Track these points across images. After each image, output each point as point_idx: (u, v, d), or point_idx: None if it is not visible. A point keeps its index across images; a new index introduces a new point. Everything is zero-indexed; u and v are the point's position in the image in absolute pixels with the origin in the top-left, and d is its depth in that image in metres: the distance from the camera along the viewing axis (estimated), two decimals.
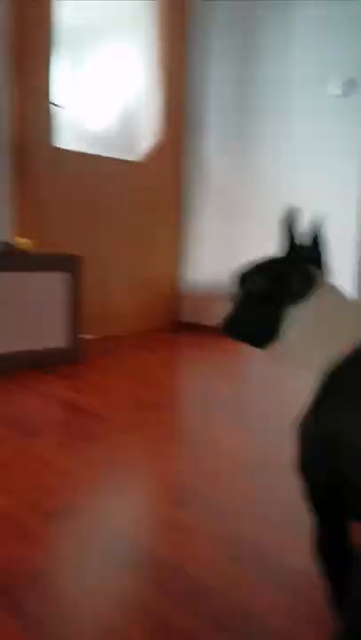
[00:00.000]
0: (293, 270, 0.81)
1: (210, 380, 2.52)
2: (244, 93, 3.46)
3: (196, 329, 3.69)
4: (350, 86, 2.90)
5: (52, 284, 2.64)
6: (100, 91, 3.65)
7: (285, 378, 2.56)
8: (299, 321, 0.80)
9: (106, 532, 1.18)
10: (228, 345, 3.24)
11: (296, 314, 0.80)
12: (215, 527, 1.21)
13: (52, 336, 2.68)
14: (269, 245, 3.32)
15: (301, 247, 0.84)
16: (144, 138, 3.67)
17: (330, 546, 0.75)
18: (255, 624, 0.91)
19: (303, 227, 2.91)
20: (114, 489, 1.39)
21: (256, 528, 1.21)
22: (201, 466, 1.54)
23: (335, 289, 0.83)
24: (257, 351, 0.93)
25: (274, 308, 0.82)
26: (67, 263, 2.69)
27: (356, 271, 2.98)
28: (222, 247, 3.62)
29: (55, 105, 3.13)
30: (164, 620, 0.91)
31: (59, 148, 3.22)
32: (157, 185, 3.74)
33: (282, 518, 1.26)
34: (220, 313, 0.91)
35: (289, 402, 2.16)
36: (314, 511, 0.76)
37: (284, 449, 1.67)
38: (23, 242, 2.67)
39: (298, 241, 0.83)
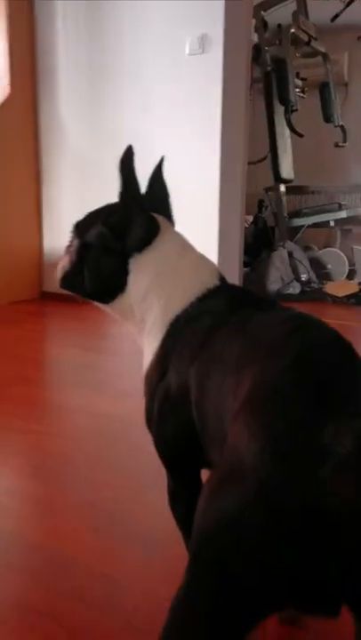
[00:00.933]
0: (135, 217, 0.76)
1: (73, 349, 2.46)
2: (98, 50, 3.33)
3: (62, 298, 3.57)
4: (204, 42, 2.91)
5: None
6: None
7: None
8: (143, 270, 0.75)
9: None
10: (96, 314, 3.19)
11: (141, 263, 0.76)
12: (73, 498, 1.20)
13: None
14: None
15: (142, 192, 0.79)
16: None
17: (187, 498, 0.76)
18: (113, 589, 0.92)
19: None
20: None
21: (116, 496, 1.21)
22: (59, 437, 1.51)
23: (179, 236, 0.80)
24: (101, 309, 0.88)
25: (116, 259, 0.76)
26: None
27: (216, 237, 3.06)
28: (84, 211, 3.51)
29: None
30: (22, 600, 0.89)
31: None
32: (8, 144, 3.48)
33: (142, 484, 1.28)
34: (59, 267, 0.85)
35: None
36: (166, 464, 0.76)
37: (140, 413, 1.70)
38: None
39: (137, 185, 0.77)
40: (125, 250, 0.76)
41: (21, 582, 0.93)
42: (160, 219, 0.79)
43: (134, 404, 1.73)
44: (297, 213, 4.20)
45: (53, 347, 2.53)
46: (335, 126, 4.20)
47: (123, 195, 0.76)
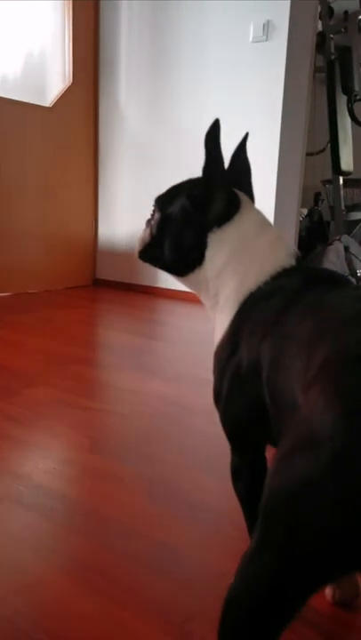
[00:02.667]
0: (217, 191, 0.76)
1: (126, 334, 2.51)
2: (160, 39, 3.34)
3: (114, 286, 3.64)
4: (268, 29, 2.87)
5: None
6: (7, 32, 3.37)
7: (200, 332, 2.60)
8: (221, 245, 0.76)
9: (19, 481, 1.16)
10: (147, 302, 3.24)
11: (220, 238, 0.76)
12: (129, 471, 1.22)
13: None
14: None
15: (225, 167, 0.78)
16: (54, 81, 3.46)
17: (250, 475, 0.77)
18: (170, 555, 0.94)
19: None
20: (27, 440, 1.37)
21: (170, 471, 1.24)
22: (115, 415, 1.54)
23: (259, 213, 0.80)
24: (175, 285, 0.90)
25: (196, 233, 0.77)
26: None
27: (273, 211, 3.01)
28: (140, 201, 3.55)
29: None
30: (81, 561, 0.92)
31: None
32: (69, 132, 3.56)
33: (195, 462, 1.29)
34: (138, 239, 0.87)
35: (197, 353, 2.20)
36: (232, 441, 0.77)
37: (197, 396, 1.71)
38: None
39: (222, 160, 0.77)
40: (206, 223, 0.77)
41: (82, 545, 0.96)
42: (241, 195, 0.80)
43: (187, 388, 1.76)
44: (355, 207, 4.10)
45: (106, 330, 2.58)
46: None
47: (207, 168, 0.77)
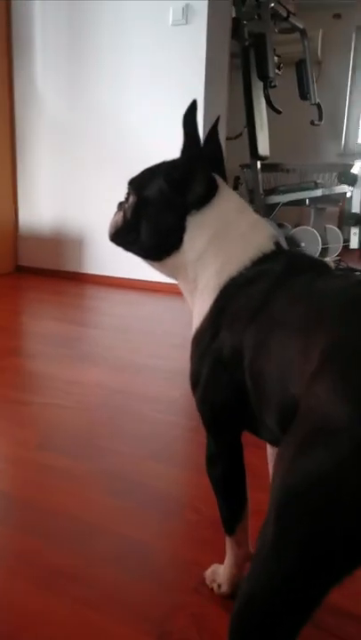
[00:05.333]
0: (196, 174, 0.74)
1: (57, 323, 2.43)
2: (77, 19, 3.21)
3: (39, 273, 3.50)
4: (188, 13, 2.85)
5: None
6: None
7: (133, 318, 2.58)
8: (200, 229, 0.74)
9: None
10: (74, 288, 3.15)
11: (199, 221, 0.75)
12: (84, 466, 1.20)
13: None
14: (110, 181, 3.22)
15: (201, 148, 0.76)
16: None
17: (226, 461, 0.77)
18: (138, 550, 0.94)
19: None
20: None
21: (126, 463, 1.22)
22: (60, 408, 1.50)
23: (237, 196, 0.79)
24: (144, 268, 0.86)
25: (175, 216, 0.75)
26: None
27: None
28: (63, 185, 3.42)
29: None
30: (44, 565, 0.89)
31: None
32: None
33: (150, 451, 1.29)
34: (111, 223, 0.84)
35: (133, 340, 2.19)
36: (210, 427, 0.76)
37: (141, 384, 1.70)
38: None
39: (200, 141, 0.75)
40: (184, 206, 0.75)
41: (43, 547, 0.93)
42: (218, 178, 0.79)
43: (129, 376, 1.74)
44: (273, 191, 4.22)
45: (35, 319, 2.49)
46: (311, 104, 4.22)
47: (185, 151, 0.75)
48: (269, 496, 0.49)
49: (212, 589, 0.83)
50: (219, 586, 0.83)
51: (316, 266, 0.70)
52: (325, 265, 0.71)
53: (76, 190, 3.35)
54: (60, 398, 1.56)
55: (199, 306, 0.76)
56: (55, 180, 3.44)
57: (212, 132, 0.83)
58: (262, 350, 0.63)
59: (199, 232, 0.75)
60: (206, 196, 0.75)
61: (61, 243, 3.42)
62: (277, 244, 0.74)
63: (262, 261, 0.71)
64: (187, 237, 0.76)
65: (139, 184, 0.80)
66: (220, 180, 0.78)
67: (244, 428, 0.75)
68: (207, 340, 0.72)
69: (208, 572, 0.86)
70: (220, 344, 0.69)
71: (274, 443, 0.74)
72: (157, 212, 0.77)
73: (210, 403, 0.74)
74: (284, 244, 0.75)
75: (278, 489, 0.47)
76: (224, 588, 0.83)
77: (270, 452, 0.88)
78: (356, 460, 0.42)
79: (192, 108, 0.73)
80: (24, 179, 3.56)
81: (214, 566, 0.86)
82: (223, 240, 0.74)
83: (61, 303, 2.83)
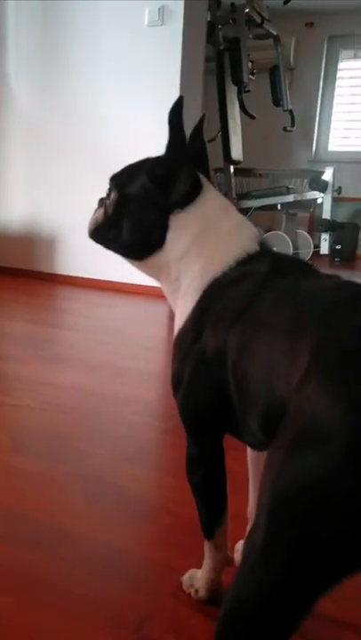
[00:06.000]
0: (181, 171, 0.73)
1: (29, 324, 2.38)
2: (51, 18, 3.17)
3: (10, 273, 3.42)
4: (163, 14, 2.85)
5: None
6: None
7: (107, 320, 2.56)
8: (184, 228, 0.73)
9: None
10: (46, 289, 3.10)
11: (183, 220, 0.73)
12: (59, 470, 1.17)
13: None
14: (83, 181, 3.18)
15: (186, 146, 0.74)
16: None
17: (208, 465, 0.76)
18: (114, 555, 0.92)
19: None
20: None
21: (102, 466, 1.20)
22: (34, 410, 1.47)
23: (221, 196, 0.78)
24: (124, 266, 0.84)
25: (157, 214, 0.74)
26: None
27: None
28: (35, 184, 3.36)
29: None
30: (18, 572, 0.86)
31: None
32: None
33: (126, 454, 1.27)
34: (91, 220, 0.82)
35: (107, 342, 2.17)
36: (191, 430, 0.75)
37: (116, 386, 1.68)
38: None
39: (185, 138, 0.73)
40: (168, 205, 0.74)
41: (16, 554, 0.90)
42: (202, 177, 0.78)
43: (105, 378, 1.72)
44: (246, 195, 4.26)
45: (6, 320, 2.44)
46: (284, 110, 4.27)
47: (170, 147, 0.73)
48: (258, 502, 0.48)
49: (189, 594, 0.82)
50: (196, 591, 0.82)
51: (301, 267, 0.69)
52: (310, 266, 0.70)
53: (50, 189, 3.29)
54: (32, 400, 1.53)
55: (182, 306, 0.75)
56: (28, 179, 3.38)
57: (196, 131, 0.82)
58: (247, 352, 0.62)
59: (183, 231, 0.74)
60: (190, 194, 0.74)
61: (33, 242, 3.36)
62: (262, 244, 0.74)
63: (247, 262, 0.70)
64: (170, 236, 0.74)
65: (121, 180, 0.78)
66: (204, 180, 0.77)
67: (226, 431, 0.74)
68: (190, 341, 0.70)
69: (185, 578, 0.84)
70: (203, 345, 0.69)
71: (255, 446, 0.74)
72: (140, 210, 0.75)
73: (192, 404, 0.72)
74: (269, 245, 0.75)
75: (268, 493, 0.47)
76: (202, 593, 0.81)
77: (251, 455, 0.88)
78: (346, 462, 0.41)
79: (178, 104, 0.72)
80: None
81: (192, 571, 0.85)
82: (207, 240, 0.73)
83: (34, 304, 2.78)
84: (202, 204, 0.74)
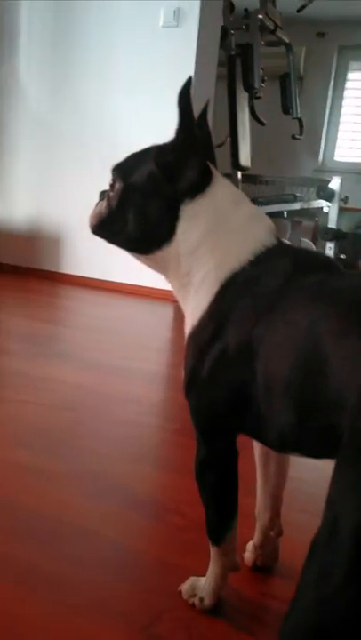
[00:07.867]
0: (190, 159, 0.68)
1: (31, 321, 2.35)
2: (64, 17, 3.16)
3: (12, 270, 3.39)
4: (179, 16, 2.84)
5: None
6: None
7: (107, 319, 2.53)
8: (196, 219, 0.68)
9: None
10: (49, 287, 3.07)
11: (193, 211, 0.68)
12: (62, 467, 1.14)
13: None
14: (90, 181, 3.16)
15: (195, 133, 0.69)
16: None
17: (221, 467, 0.72)
18: (122, 554, 0.89)
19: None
20: None
21: (105, 464, 1.17)
22: (35, 406, 1.43)
23: (232, 185, 0.74)
24: (130, 261, 0.80)
25: (166, 204, 0.69)
26: None
27: None
28: (41, 181, 3.34)
29: None
30: (25, 568, 0.83)
31: None
32: None
33: (128, 453, 1.24)
34: (93, 213, 0.78)
35: (109, 341, 2.14)
36: (204, 431, 0.71)
37: (117, 385, 1.65)
38: None
39: (194, 123, 0.68)
40: (177, 194, 0.69)
41: (22, 549, 0.87)
42: (211, 166, 0.74)
43: (105, 376, 1.69)
44: (253, 201, 4.24)
45: (8, 317, 2.40)
46: (293, 118, 4.26)
47: (180, 132, 0.69)
48: (328, 514, 0.45)
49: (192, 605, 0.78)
50: (201, 600, 0.77)
51: (324, 264, 0.66)
52: (333, 262, 0.67)
53: (56, 189, 3.27)
54: (33, 396, 1.49)
55: (195, 301, 0.70)
56: (35, 178, 3.35)
57: (202, 119, 0.77)
58: (281, 351, 0.58)
59: (194, 223, 0.69)
60: (201, 183, 0.69)
61: (38, 241, 3.33)
62: (278, 237, 0.70)
63: (266, 256, 0.67)
64: (180, 228, 0.70)
65: (125, 169, 0.73)
66: (213, 169, 0.73)
67: (243, 431, 0.70)
68: (208, 338, 0.66)
69: (186, 587, 0.80)
70: (224, 342, 0.65)
71: (278, 448, 0.69)
72: (147, 200, 0.70)
73: (208, 403, 0.69)
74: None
75: (339, 496, 0.44)
76: (207, 602, 0.77)
77: (259, 454, 0.84)
78: None
79: (186, 86, 0.68)
80: (2, 174, 3.47)
81: (192, 579, 0.80)
82: (221, 232, 0.69)
83: (36, 302, 2.75)
84: (213, 194, 0.70)
